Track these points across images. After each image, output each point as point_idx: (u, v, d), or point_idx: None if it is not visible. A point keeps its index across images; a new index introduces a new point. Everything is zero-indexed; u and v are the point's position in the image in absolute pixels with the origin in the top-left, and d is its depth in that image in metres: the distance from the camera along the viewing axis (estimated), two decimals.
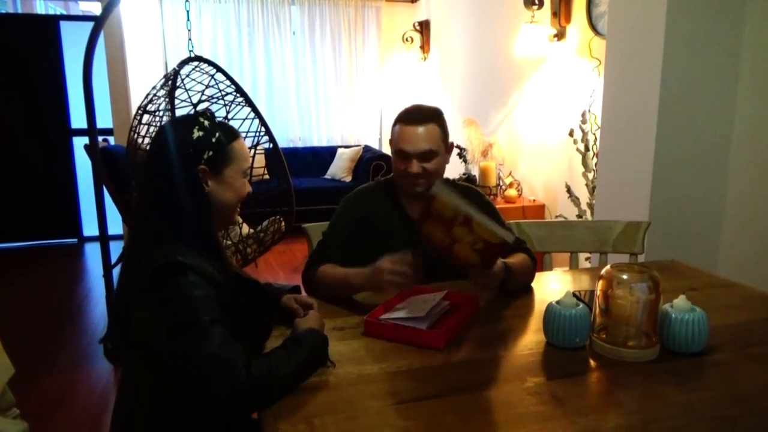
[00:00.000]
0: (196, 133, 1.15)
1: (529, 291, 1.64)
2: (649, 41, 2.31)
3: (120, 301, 1.14)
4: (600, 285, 1.26)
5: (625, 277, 1.22)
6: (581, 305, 1.26)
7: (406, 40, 5.92)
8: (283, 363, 1.04)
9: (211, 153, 1.15)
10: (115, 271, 3.17)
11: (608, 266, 1.26)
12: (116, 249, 3.20)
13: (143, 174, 1.23)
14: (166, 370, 1.07)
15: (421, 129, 1.58)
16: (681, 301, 1.25)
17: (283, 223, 3.12)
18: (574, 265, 2.07)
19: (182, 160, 1.14)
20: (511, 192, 4.01)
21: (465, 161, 4.45)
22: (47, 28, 4.99)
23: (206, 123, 1.17)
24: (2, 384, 1.07)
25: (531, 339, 1.32)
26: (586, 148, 3.18)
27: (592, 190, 3.14)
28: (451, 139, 1.69)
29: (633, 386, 1.12)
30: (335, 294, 1.53)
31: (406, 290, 1.46)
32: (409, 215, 1.67)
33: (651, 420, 0.99)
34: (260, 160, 4.84)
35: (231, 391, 0.98)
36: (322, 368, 1.14)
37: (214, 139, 1.16)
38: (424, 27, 5.89)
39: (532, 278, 1.67)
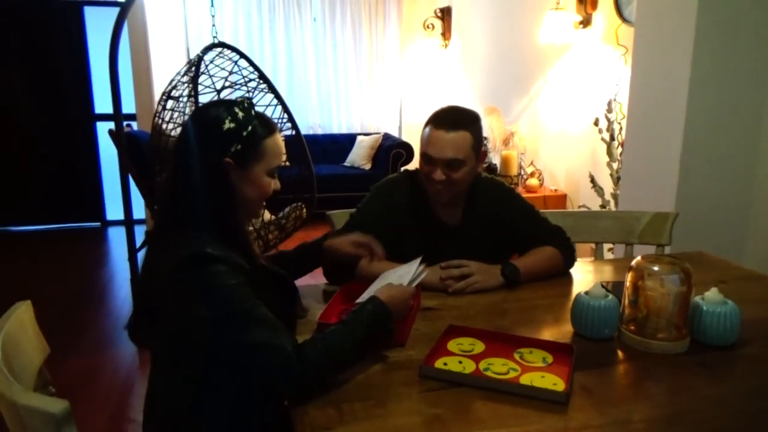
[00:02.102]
0: (227, 125, 1.10)
1: (551, 281, 1.63)
2: (680, 29, 2.27)
3: (143, 293, 1.14)
4: (630, 276, 1.25)
5: (656, 268, 1.21)
6: (610, 296, 1.25)
7: (427, 26, 5.87)
8: (340, 342, 1.04)
9: (239, 147, 1.11)
10: (140, 255, 3.21)
11: (638, 257, 1.25)
12: (140, 233, 3.25)
13: (171, 158, 1.20)
14: (202, 360, 1.07)
15: (450, 135, 1.49)
16: (713, 293, 1.23)
17: (304, 210, 3.13)
18: (598, 256, 2.05)
19: (209, 149, 1.11)
20: (533, 181, 3.98)
21: (486, 150, 4.43)
22: (72, 13, 5.03)
23: (240, 114, 1.12)
24: (39, 363, 1.09)
25: (558, 330, 1.32)
26: (612, 138, 3.14)
27: (616, 180, 3.10)
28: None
29: (663, 378, 1.11)
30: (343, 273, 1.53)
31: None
32: (436, 216, 1.64)
33: (682, 412, 0.98)
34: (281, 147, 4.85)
35: (283, 375, 0.99)
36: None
37: (245, 133, 1.11)
38: (445, 13, 5.83)
39: (560, 270, 1.65)
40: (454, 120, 1.52)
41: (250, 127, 1.12)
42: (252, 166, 1.14)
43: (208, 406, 1.11)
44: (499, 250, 1.65)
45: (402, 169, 1.80)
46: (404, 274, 1.32)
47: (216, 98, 2.92)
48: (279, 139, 1.19)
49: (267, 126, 1.16)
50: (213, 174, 1.10)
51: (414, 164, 4.71)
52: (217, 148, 1.11)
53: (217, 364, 1.07)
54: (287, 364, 0.99)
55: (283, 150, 1.21)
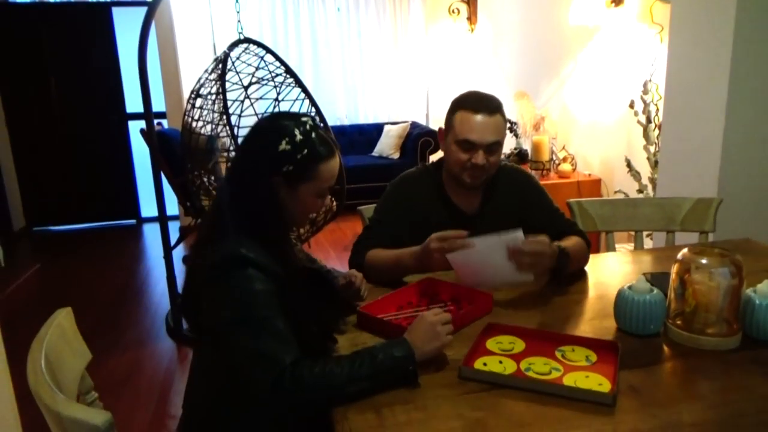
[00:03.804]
0: (283, 146, 1.11)
1: (585, 274, 1.58)
2: (720, 3, 2.16)
3: (190, 288, 1.16)
4: (675, 268, 1.20)
5: (704, 261, 1.16)
6: (655, 290, 1.20)
7: (453, 11, 5.77)
8: (338, 373, 0.99)
9: (291, 168, 1.12)
10: (175, 253, 3.26)
11: (685, 249, 1.20)
12: (174, 230, 3.29)
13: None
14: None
15: (490, 119, 1.50)
16: (766, 285, 1.17)
17: (334, 203, 3.13)
18: (638, 245, 1.99)
19: (261, 165, 1.12)
20: (565, 166, 3.88)
21: (516, 136, 4.34)
22: (101, 14, 5.11)
23: (299, 137, 1.12)
24: (81, 369, 1.11)
25: (599, 325, 1.27)
26: (648, 120, 3.04)
27: (654, 164, 3.01)
28: None
29: (715, 377, 1.06)
30: (386, 277, 1.51)
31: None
32: (453, 203, 1.63)
33: (737, 414, 0.94)
34: None
35: (272, 388, 0.98)
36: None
37: (299, 156, 1.11)
38: None
39: (586, 261, 1.60)
40: (490, 104, 1.52)
41: (306, 150, 1.12)
42: (301, 187, 1.15)
43: (244, 406, 1.12)
44: None
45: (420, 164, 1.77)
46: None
47: (244, 94, 2.93)
48: (335, 162, 1.18)
49: (324, 150, 1.16)
50: (262, 187, 1.12)
51: (441, 153, 4.64)
52: (270, 166, 1.12)
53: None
54: (279, 378, 0.98)
55: (336, 173, 1.20)
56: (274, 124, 1.15)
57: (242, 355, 1.02)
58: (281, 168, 1.12)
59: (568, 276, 1.52)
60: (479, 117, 1.50)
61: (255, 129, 1.18)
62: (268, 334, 1.02)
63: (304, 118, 1.16)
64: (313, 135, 1.14)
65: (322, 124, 3.09)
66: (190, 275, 1.17)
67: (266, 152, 1.12)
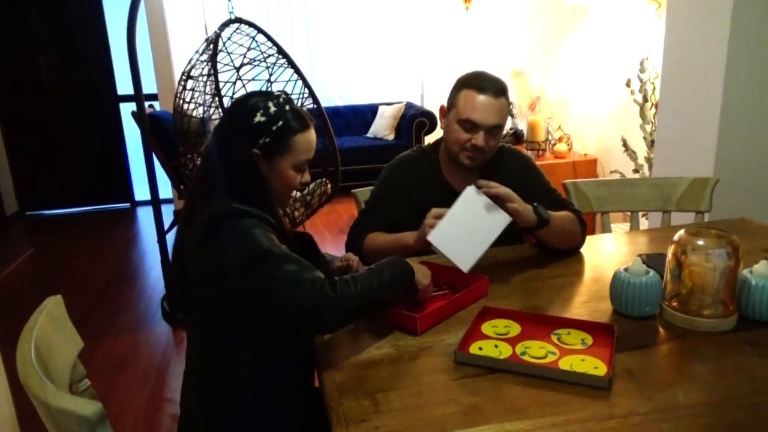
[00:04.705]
0: (258, 118, 1.13)
1: (581, 256, 1.57)
2: None
3: (177, 264, 1.16)
4: (672, 250, 1.19)
5: (701, 242, 1.15)
6: (652, 272, 1.19)
7: None
8: (367, 280, 1.08)
9: (267, 140, 1.14)
10: (169, 236, 3.24)
11: (682, 231, 1.19)
12: (167, 213, 3.27)
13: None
14: (239, 316, 1.10)
15: (497, 101, 1.48)
16: (762, 266, 1.16)
17: (329, 186, 3.10)
18: (634, 225, 1.98)
19: (239, 140, 1.14)
20: (561, 147, 3.87)
21: (512, 116, 4.31)
22: None
23: (273, 109, 1.14)
24: (73, 357, 1.10)
25: (595, 307, 1.27)
26: (644, 99, 3.01)
27: (650, 144, 2.99)
28: None
29: (710, 358, 1.06)
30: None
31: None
32: (450, 185, 1.61)
33: (733, 395, 0.93)
34: None
35: (317, 302, 1.01)
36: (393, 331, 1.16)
37: (275, 127, 1.14)
38: None
39: (578, 239, 1.57)
40: (498, 87, 1.50)
41: (280, 122, 1.15)
42: (278, 160, 1.17)
43: (240, 376, 1.14)
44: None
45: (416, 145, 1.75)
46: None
47: (235, 76, 2.89)
48: (310, 135, 1.20)
49: (299, 122, 1.18)
50: (241, 162, 1.14)
51: (437, 134, 4.60)
52: (246, 139, 1.14)
53: (246, 328, 1.10)
54: (321, 291, 1.02)
55: (314, 144, 1.22)
56: (249, 100, 1.17)
57: (273, 286, 1.03)
58: (258, 140, 1.14)
59: (561, 252, 1.52)
60: (484, 97, 1.47)
61: (231, 106, 1.21)
62: (290, 261, 1.04)
63: (277, 93, 1.19)
64: (287, 107, 1.17)
65: (315, 106, 3.05)
66: (178, 245, 1.16)
67: (243, 125, 1.14)
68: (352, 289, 1.05)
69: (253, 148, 1.14)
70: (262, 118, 1.13)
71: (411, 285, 1.16)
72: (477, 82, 1.50)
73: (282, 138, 1.15)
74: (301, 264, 1.05)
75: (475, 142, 1.49)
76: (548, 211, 1.45)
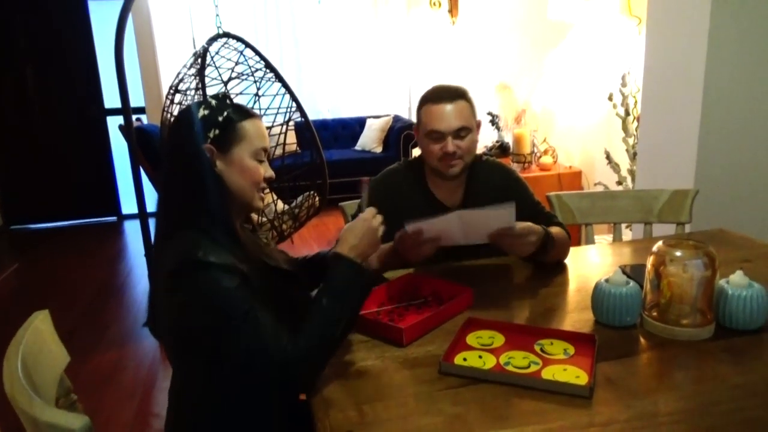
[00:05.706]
0: (202, 112, 1.13)
1: (565, 267, 1.60)
2: None
3: (153, 287, 1.16)
4: (651, 261, 1.22)
5: (678, 253, 1.18)
6: (632, 283, 1.22)
7: (434, 4, 5.75)
8: (321, 320, 1.04)
9: (217, 131, 1.12)
10: None
11: (660, 242, 1.22)
12: (154, 226, 3.26)
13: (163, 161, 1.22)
14: (207, 359, 1.07)
15: (451, 106, 1.54)
16: (738, 276, 1.20)
17: (317, 198, 3.12)
18: (617, 237, 2.02)
19: (189, 139, 1.12)
20: (546, 159, 3.91)
21: (498, 128, 4.36)
22: (77, 7, 5.01)
23: (214, 103, 1.15)
24: (60, 372, 1.10)
25: (577, 318, 1.29)
26: (626, 113, 3.07)
27: (633, 156, 3.04)
28: (479, 115, 1.64)
29: (689, 367, 1.09)
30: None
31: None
32: (436, 198, 1.65)
33: (710, 402, 0.96)
34: (291, 135, 4.83)
35: (280, 373, 0.99)
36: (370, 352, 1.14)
37: (221, 118, 1.13)
38: None
39: (567, 252, 1.62)
40: (451, 93, 1.56)
41: (225, 113, 1.15)
42: (233, 149, 1.14)
43: (222, 402, 1.11)
44: None
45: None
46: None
47: (223, 90, 2.91)
48: (258, 122, 1.19)
49: (243, 111, 1.18)
50: (197, 164, 1.11)
51: None
52: (197, 137, 1.12)
53: (221, 363, 1.06)
54: (283, 359, 0.99)
55: (265, 133, 1.20)
56: (188, 107, 1.18)
57: (238, 355, 1.00)
58: (208, 134, 1.12)
59: (548, 265, 1.55)
60: (441, 106, 1.54)
61: (175, 118, 1.21)
62: (255, 326, 1.00)
63: (213, 95, 1.20)
64: (227, 101, 1.17)
65: (303, 119, 3.07)
66: (153, 275, 1.16)
67: (190, 125, 1.13)
68: (312, 337, 1.02)
69: (204, 144, 1.12)
70: (206, 111, 1.13)
71: (368, 273, 1.15)
72: (433, 94, 1.57)
73: (231, 126, 1.14)
74: (264, 326, 1.01)
75: (445, 149, 1.54)
76: (551, 233, 1.47)
